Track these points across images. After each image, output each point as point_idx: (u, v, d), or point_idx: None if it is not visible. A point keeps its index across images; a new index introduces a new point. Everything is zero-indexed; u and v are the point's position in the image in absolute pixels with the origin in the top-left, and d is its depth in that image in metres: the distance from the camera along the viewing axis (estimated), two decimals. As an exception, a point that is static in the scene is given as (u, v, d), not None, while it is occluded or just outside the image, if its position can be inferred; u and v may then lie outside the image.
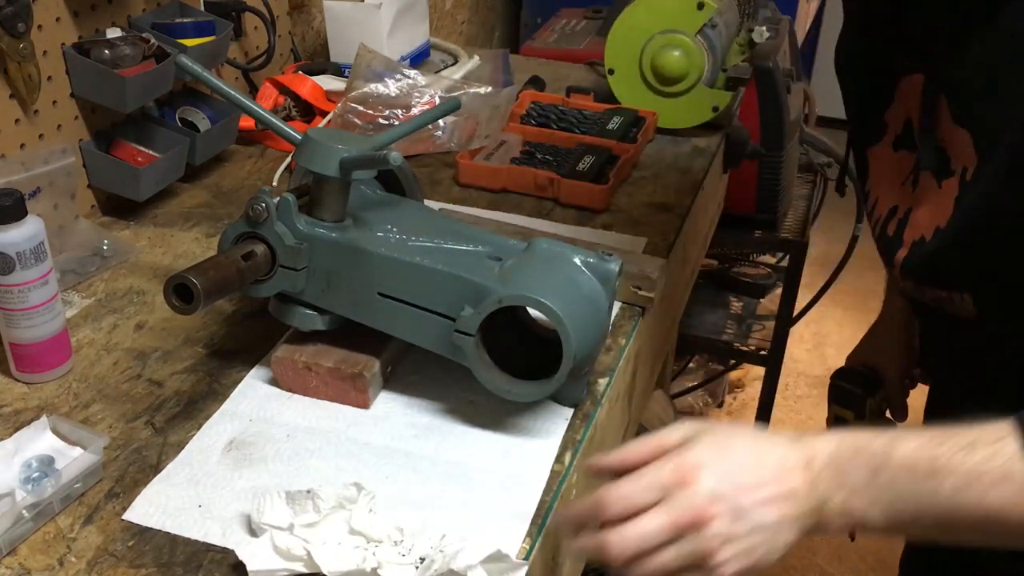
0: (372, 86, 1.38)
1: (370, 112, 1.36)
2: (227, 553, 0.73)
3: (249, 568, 0.69)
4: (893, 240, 0.91)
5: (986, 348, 0.89)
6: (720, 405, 2.86)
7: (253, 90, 1.53)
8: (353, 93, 1.38)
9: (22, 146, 1.11)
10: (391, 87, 1.38)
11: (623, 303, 1.05)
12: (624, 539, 0.68)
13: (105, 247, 1.14)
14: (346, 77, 1.54)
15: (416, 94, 1.39)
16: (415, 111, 1.36)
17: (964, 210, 0.80)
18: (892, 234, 0.92)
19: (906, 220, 0.90)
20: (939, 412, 1.10)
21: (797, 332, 2.43)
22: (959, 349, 0.96)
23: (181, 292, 0.78)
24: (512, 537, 0.75)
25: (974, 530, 0.66)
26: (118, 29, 1.22)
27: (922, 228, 0.87)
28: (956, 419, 0.69)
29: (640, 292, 1.04)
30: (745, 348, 2.20)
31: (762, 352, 2.14)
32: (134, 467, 0.82)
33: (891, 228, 0.92)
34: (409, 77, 1.40)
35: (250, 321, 1.02)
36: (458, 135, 1.37)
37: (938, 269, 0.85)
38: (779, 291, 2.17)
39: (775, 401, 2.19)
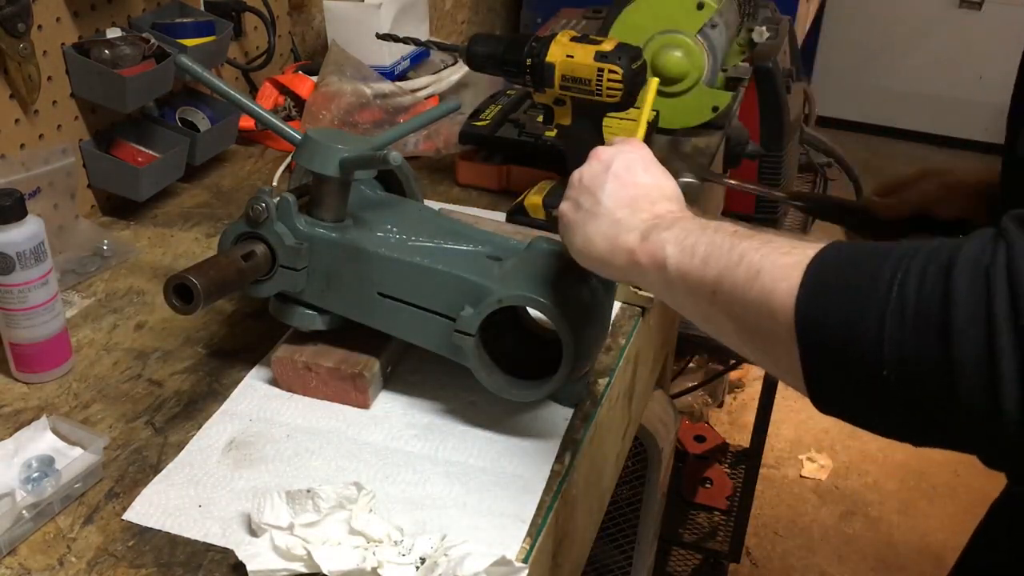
0: (339, 84, 1.40)
1: (332, 110, 1.37)
2: (227, 553, 0.73)
3: (249, 568, 0.69)
4: None
5: None
6: (720, 405, 2.86)
7: (253, 90, 1.53)
8: (321, 90, 1.39)
9: (22, 146, 1.11)
10: (354, 90, 1.40)
11: (623, 303, 1.05)
12: None
13: (105, 247, 1.14)
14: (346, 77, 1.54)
15: (378, 101, 1.41)
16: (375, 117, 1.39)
17: None
18: None
19: None
20: None
21: (797, 332, 2.42)
22: None
23: (181, 292, 0.78)
24: (512, 538, 0.75)
25: (730, 291, 0.64)
26: (118, 29, 1.22)
27: None
28: None
29: (640, 292, 1.04)
30: (745, 348, 2.19)
31: (762, 352, 2.13)
32: (134, 467, 0.82)
33: None
34: (374, 84, 1.42)
35: (250, 321, 1.02)
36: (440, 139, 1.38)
37: None
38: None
39: (775, 401, 2.18)
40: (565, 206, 0.80)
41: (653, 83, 0.93)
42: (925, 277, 0.54)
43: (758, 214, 1.94)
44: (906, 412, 0.55)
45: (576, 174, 0.80)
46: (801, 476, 2.64)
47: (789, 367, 0.60)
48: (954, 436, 0.55)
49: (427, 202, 1.03)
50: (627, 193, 0.76)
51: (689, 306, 0.69)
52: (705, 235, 0.68)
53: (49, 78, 1.13)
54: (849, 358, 0.56)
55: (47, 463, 0.80)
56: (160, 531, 0.75)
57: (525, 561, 0.73)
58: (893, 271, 0.55)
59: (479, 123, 1.31)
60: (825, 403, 0.60)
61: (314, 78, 1.49)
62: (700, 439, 2.44)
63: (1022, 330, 0.50)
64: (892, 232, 1.09)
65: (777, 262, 0.61)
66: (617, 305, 1.04)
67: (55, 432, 0.83)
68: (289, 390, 0.91)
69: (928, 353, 0.53)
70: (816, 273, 0.58)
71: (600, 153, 0.80)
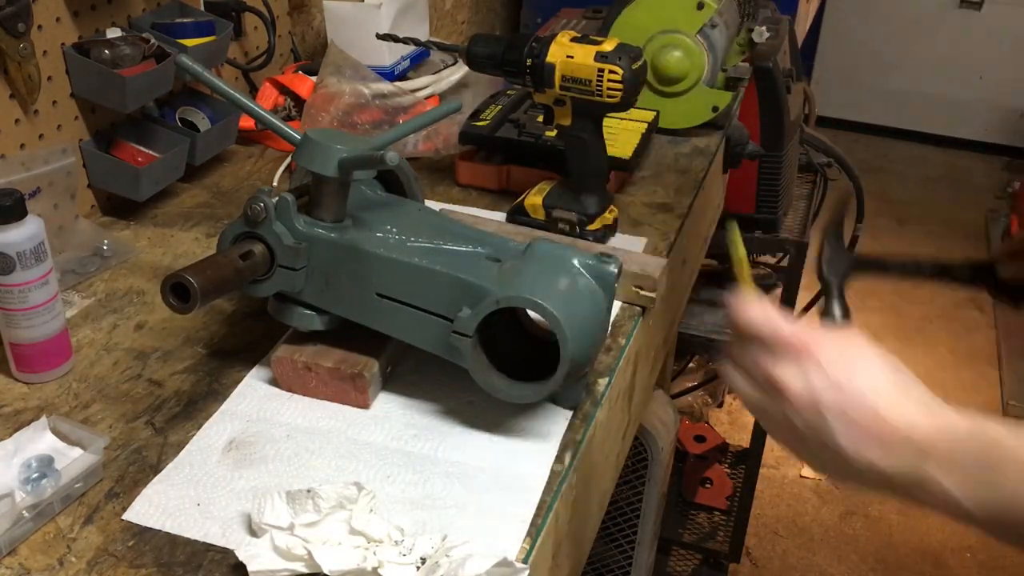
0: (338, 85, 1.40)
1: (331, 111, 1.37)
2: (227, 553, 0.73)
3: (250, 568, 0.69)
4: None
5: None
6: (720, 405, 2.86)
7: (253, 90, 1.53)
8: (320, 91, 1.39)
9: (22, 146, 1.11)
10: (352, 91, 1.40)
11: (623, 303, 1.05)
12: (743, 313, 0.73)
13: (105, 247, 1.14)
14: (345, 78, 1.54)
15: (377, 102, 1.41)
16: (376, 117, 1.39)
17: None
18: None
19: None
20: None
21: (797, 332, 2.42)
22: None
23: (178, 291, 0.78)
24: (512, 538, 0.75)
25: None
26: (118, 29, 1.22)
27: None
28: None
29: (642, 292, 1.04)
30: (745, 348, 2.19)
31: (762, 352, 2.13)
32: (134, 467, 0.82)
33: None
34: (373, 84, 1.42)
35: (250, 321, 1.02)
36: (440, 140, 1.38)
37: None
38: (779, 291, 2.17)
39: (775, 401, 2.18)
40: (790, 447, 0.72)
41: (734, 228, 0.88)
42: None
43: (759, 213, 1.94)
44: None
45: (780, 415, 0.70)
46: (801, 476, 2.64)
47: None
48: None
49: (427, 202, 1.03)
50: (864, 429, 0.67)
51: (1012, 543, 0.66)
52: (995, 488, 0.63)
53: (49, 78, 1.13)
54: None
55: (47, 463, 0.80)
56: (160, 531, 0.75)
57: (525, 561, 0.73)
58: None
59: (479, 123, 1.31)
60: None
61: (314, 78, 1.49)
62: (700, 439, 2.44)
63: None
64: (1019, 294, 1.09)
65: None
66: (617, 305, 1.04)
67: (55, 432, 0.83)
68: (289, 390, 0.91)
69: None
70: None
71: (791, 385, 0.69)
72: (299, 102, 1.48)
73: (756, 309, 0.73)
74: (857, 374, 0.68)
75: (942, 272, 1.14)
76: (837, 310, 1.03)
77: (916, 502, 0.67)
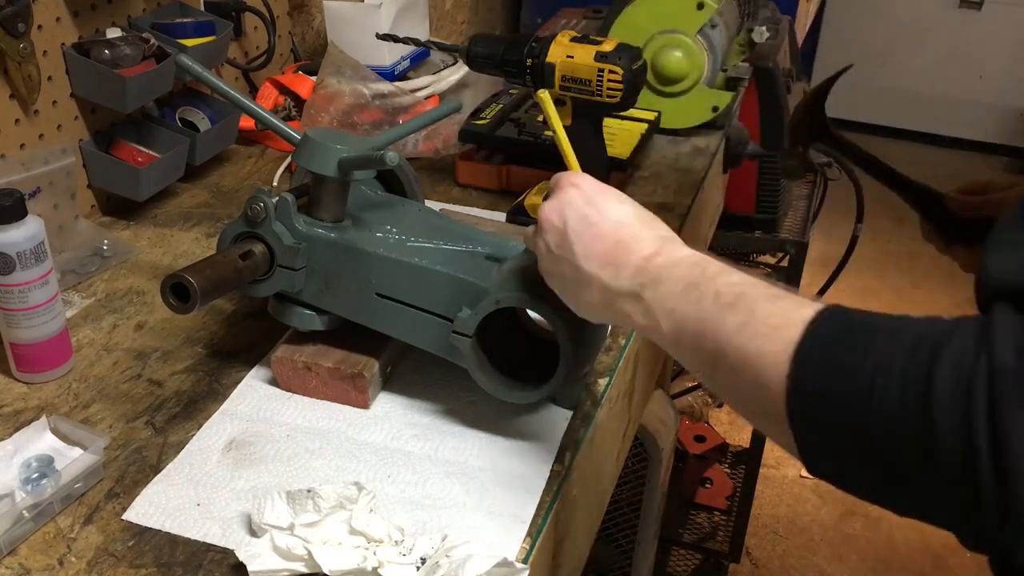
0: (338, 86, 1.40)
1: (331, 112, 1.37)
2: (227, 553, 0.73)
3: (250, 569, 0.69)
4: None
5: None
6: (720, 405, 2.86)
7: (253, 90, 1.53)
8: (320, 91, 1.39)
9: (22, 146, 1.11)
10: (352, 91, 1.40)
11: (623, 303, 1.05)
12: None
13: (105, 247, 1.14)
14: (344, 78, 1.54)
15: (376, 102, 1.41)
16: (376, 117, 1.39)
17: None
18: None
19: None
20: None
21: (797, 332, 2.43)
22: None
23: (178, 291, 0.78)
24: (512, 538, 0.75)
25: (723, 376, 0.65)
26: (118, 29, 1.22)
27: None
28: None
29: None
30: (745, 348, 2.19)
31: (762, 352, 2.13)
32: (134, 467, 0.82)
33: None
34: (372, 84, 1.42)
35: (250, 321, 1.02)
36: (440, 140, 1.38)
37: None
38: (779, 291, 2.17)
39: (775, 401, 2.18)
40: (547, 276, 0.78)
41: (544, 98, 0.89)
42: (906, 380, 0.54)
43: (759, 213, 1.94)
44: (895, 489, 0.56)
45: (542, 243, 0.77)
46: (801, 476, 2.64)
47: (785, 443, 0.61)
48: (934, 511, 0.56)
49: (427, 202, 1.03)
50: (599, 248, 0.73)
51: (689, 363, 0.69)
52: (691, 305, 0.67)
53: (49, 78, 1.13)
54: (839, 443, 0.57)
55: (47, 463, 0.80)
56: (160, 531, 0.75)
57: (525, 561, 0.73)
58: (873, 370, 0.55)
59: (479, 122, 1.31)
60: (820, 475, 0.61)
61: (314, 78, 1.49)
62: (700, 439, 2.44)
63: (1001, 454, 0.50)
64: (963, 231, 1.09)
65: (763, 349, 0.61)
66: (617, 305, 1.04)
67: (55, 432, 0.83)
68: (289, 390, 0.91)
69: (911, 449, 0.53)
70: (801, 367, 0.58)
71: (547, 215, 0.77)
72: (299, 102, 1.48)
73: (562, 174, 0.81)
74: (607, 209, 0.75)
75: (899, 183, 1.15)
76: (796, 165, 1.03)
77: (627, 321, 0.72)
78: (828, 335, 0.59)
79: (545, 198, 0.80)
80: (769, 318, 0.62)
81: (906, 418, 0.53)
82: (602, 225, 0.74)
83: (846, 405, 0.56)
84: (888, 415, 0.54)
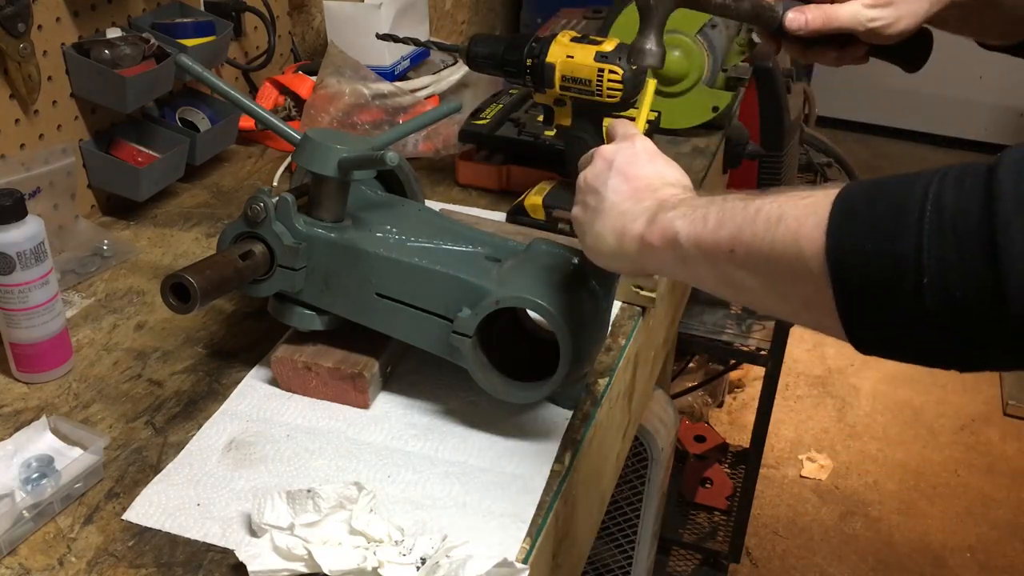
0: (338, 86, 1.40)
1: (331, 112, 1.37)
2: (227, 553, 0.73)
3: (250, 569, 0.69)
4: None
5: None
6: (720, 405, 2.86)
7: (253, 90, 1.53)
8: (320, 91, 1.39)
9: (22, 146, 1.11)
10: (352, 91, 1.40)
11: (623, 303, 1.05)
12: None
13: (105, 247, 1.14)
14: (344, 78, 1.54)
15: (376, 102, 1.41)
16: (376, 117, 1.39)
17: None
18: None
19: None
20: None
21: (797, 332, 2.43)
22: None
23: (178, 291, 0.78)
24: (512, 538, 0.75)
25: (751, 266, 0.63)
26: (118, 29, 1.22)
27: None
28: None
29: (642, 292, 1.04)
30: (745, 348, 2.20)
31: (762, 352, 2.13)
32: (134, 467, 0.82)
33: None
34: (372, 84, 1.42)
35: (250, 321, 1.02)
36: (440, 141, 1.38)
37: None
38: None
39: (775, 401, 2.18)
40: (576, 210, 0.81)
41: (651, 84, 0.93)
42: (963, 183, 0.52)
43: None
44: (952, 334, 0.53)
45: (582, 176, 0.81)
46: (801, 476, 2.64)
47: (823, 308, 0.57)
48: (1005, 353, 0.53)
49: (427, 202, 1.03)
50: (630, 186, 0.76)
51: (707, 274, 0.68)
52: (715, 204, 0.67)
53: (49, 78, 1.13)
54: (887, 281, 0.53)
55: (47, 463, 0.80)
56: (160, 531, 0.75)
57: (525, 561, 0.73)
58: (926, 186, 0.53)
59: (479, 122, 1.31)
60: (864, 340, 0.58)
61: (314, 78, 1.49)
62: (700, 439, 2.44)
63: None
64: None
65: (798, 204, 0.60)
66: (617, 305, 1.04)
67: (55, 432, 0.83)
68: (289, 390, 0.91)
69: (972, 263, 0.50)
70: (844, 201, 0.57)
71: (603, 152, 0.80)
72: (299, 102, 1.48)
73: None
74: (654, 162, 0.79)
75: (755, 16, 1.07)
76: (652, 43, 0.95)
77: (636, 244, 0.73)
78: (870, 181, 0.58)
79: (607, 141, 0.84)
80: (802, 192, 0.61)
81: (967, 213, 0.51)
82: (644, 170, 0.78)
83: (896, 224, 0.53)
84: (943, 214, 0.52)
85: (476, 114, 1.33)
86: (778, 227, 0.60)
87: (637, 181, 0.77)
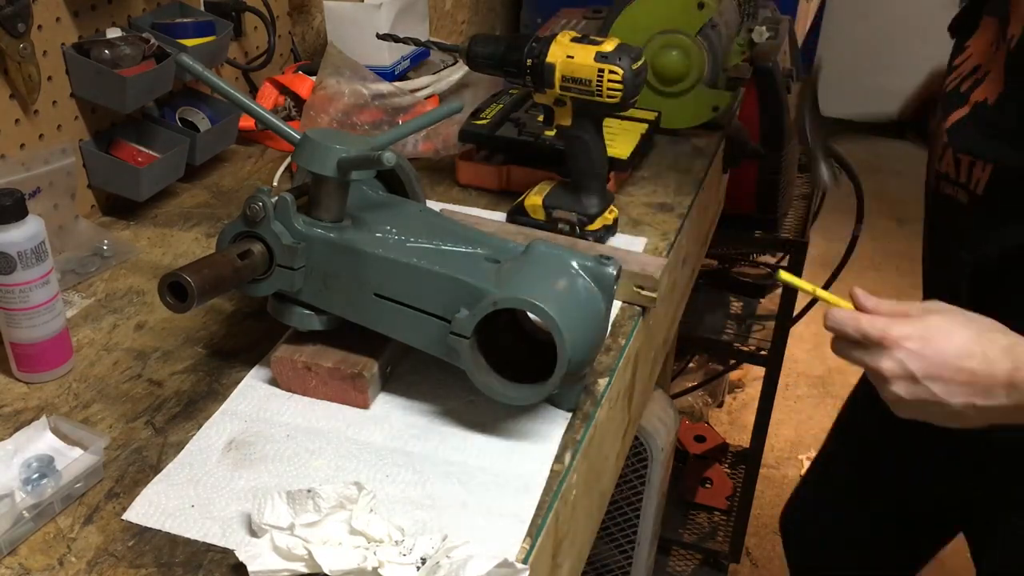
0: (337, 87, 1.40)
1: (331, 112, 1.37)
2: (227, 553, 0.73)
3: (250, 569, 0.69)
4: (961, 96, 1.01)
5: (971, 232, 1.01)
6: (720, 405, 2.86)
7: (253, 90, 1.53)
8: (319, 92, 1.39)
9: (22, 146, 1.11)
10: (352, 91, 1.40)
11: (623, 303, 1.05)
12: (831, 319, 0.93)
13: (105, 247, 1.14)
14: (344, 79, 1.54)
15: (376, 102, 1.41)
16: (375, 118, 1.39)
17: (1009, 82, 0.92)
18: (964, 91, 1.02)
19: (981, 81, 0.99)
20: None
21: (797, 332, 2.43)
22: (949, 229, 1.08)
23: (175, 290, 0.78)
24: (512, 538, 0.76)
25: None
26: (118, 29, 1.22)
27: (987, 92, 0.97)
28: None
29: (642, 292, 1.04)
30: (745, 348, 2.20)
31: (762, 352, 2.14)
32: (134, 467, 0.82)
33: (965, 85, 1.02)
34: (372, 84, 1.42)
35: (250, 321, 1.02)
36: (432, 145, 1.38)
37: (977, 136, 0.96)
38: (779, 291, 2.17)
39: (775, 401, 2.18)
40: (910, 413, 0.90)
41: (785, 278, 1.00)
42: None
43: (759, 213, 1.94)
44: None
45: (891, 392, 0.88)
46: (801, 476, 2.64)
47: None
48: None
49: (428, 203, 1.03)
50: (960, 383, 0.86)
51: None
52: None
53: (49, 78, 1.13)
54: None
55: (47, 463, 0.80)
56: (160, 531, 0.75)
57: (525, 561, 0.73)
58: None
59: (479, 122, 1.31)
60: None
61: (314, 78, 1.49)
62: (700, 439, 2.44)
63: None
64: None
65: None
66: (617, 305, 1.04)
67: (55, 432, 0.83)
68: (289, 390, 0.91)
69: None
70: None
71: (892, 370, 0.87)
72: (299, 102, 1.48)
73: (840, 313, 0.92)
74: (942, 347, 0.86)
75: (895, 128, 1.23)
76: (825, 173, 1.08)
77: (1016, 422, 0.87)
78: None
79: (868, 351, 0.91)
80: None
81: None
82: (952, 363, 0.86)
83: None
84: None
85: (476, 114, 1.33)
86: None
87: (960, 376, 0.85)
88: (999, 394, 0.84)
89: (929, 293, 1.18)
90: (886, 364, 0.88)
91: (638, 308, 1.05)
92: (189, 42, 1.27)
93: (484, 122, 1.30)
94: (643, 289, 1.04)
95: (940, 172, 1.04)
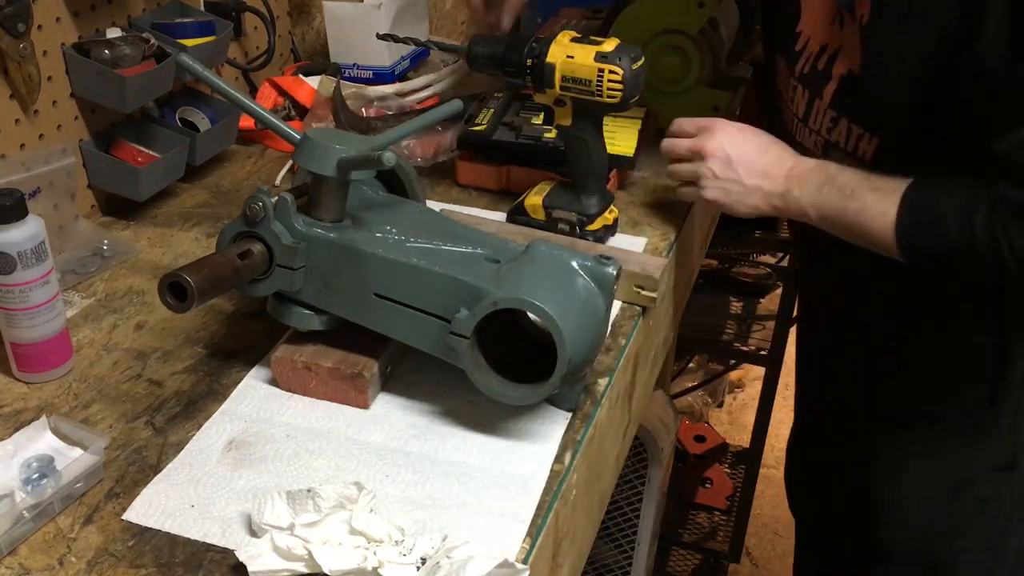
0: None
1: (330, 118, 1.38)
2: (227, 553, 0.73)
3: (250, 569, 0.69)
4: (823, 74, 1.13)
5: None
6: (720, 405, 2.86)
7: (253, 90, 1.53)
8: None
9: (22, 146, 1.11)
10: (353, 93, 1.40)
11: (624, 303, 1.05)
12: (666, 146, 1.18)
13: (105, 247, 1.14)
14: (346, 78, 1.54)
15: (376, 102, 1.41)
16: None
17: (869, 54, 1.05)
18: (822, 68, 1.13)
19: (836, 56, 1.10)
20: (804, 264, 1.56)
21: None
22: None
23: (175, 290, 0.78)
24: (512, 538, 0.76)
25: (854, 236, 1.05)
26: (118, 29, 1.22)
27: (848, 64, 1.09)
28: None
29: (642, 292, 1.04)
30: (745, 348, 2.20)
31: (762, 352, 2.14)
32: (134, 467, 0.82)
33: (821, 63, 1.13)
34: (372, 90, 1.43)
35: (250, 321, 1.02)
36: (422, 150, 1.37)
37: (858, 103, 1.10)
38: (779, 291, 2.17)
39: (775, 401, 2.18)
40: (712, 192, 1.12)
41: None
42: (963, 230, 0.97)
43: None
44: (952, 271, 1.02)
45: (704, 169, 1.11)
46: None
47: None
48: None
49: (428, 203, 1.03)
50: (757, 166, 1.10)
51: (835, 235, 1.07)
52: (825, 198, 1.05)
53: (49, 78, 1.13)
54: (935, 262, 1.01)
55: (47, 463, 0.80)
56: (160, 531, 0.75)
57: (525, 561, 0.73)
58: (945, 230, 0.98)
59: (477, 128, 1.30)
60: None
61: (313, 80, 1.49)
62: (700, 439, 2.44)
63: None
64: None
65: (877, 225, 1.02)
66: (617, 305, 1.04)
67: (55, 432, 0.83)
68: (289, 390, 0.91)
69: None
70: (902, 234, 1.01)
71: (713, 149, 1.11)
72: (297, 105, 1.48)
73: (683, 119, 1.17)
74: (750, 141, 1.13)
75: None
76: None
77: (783, 212, 1.11)
78: (912, 208, 1.00)
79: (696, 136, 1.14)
80: (875, 205, 1.02)
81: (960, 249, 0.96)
82: (755, 151, 1.12)
83: (935, 247, 0.99)
84: (955, 249, 0.97)
85: (470, 120, 1.33)
86: (865, 230, 1.03)
87: (758, 161, 1.11)
88: (777, 183, 1.09)
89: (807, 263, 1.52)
90: (710, 144, 1.11)
91: (638, 308, 1.05)
92: (189, 42, 1.27)
93: (482, 128, 1.30)
94: (643, 289, 1.04)
95: (830, 141, 1.15)
